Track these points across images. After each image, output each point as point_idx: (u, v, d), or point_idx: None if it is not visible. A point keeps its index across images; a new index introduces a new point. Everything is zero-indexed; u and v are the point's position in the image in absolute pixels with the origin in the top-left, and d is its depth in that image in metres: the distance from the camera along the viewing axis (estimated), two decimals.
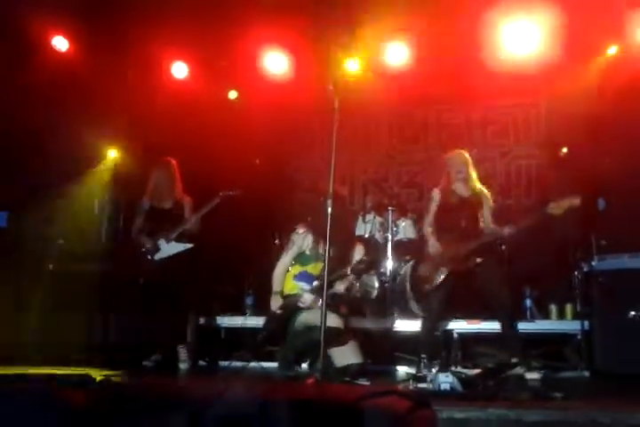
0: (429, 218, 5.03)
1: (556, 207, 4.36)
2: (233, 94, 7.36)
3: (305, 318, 4.16)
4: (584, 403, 3.14)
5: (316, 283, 4.28)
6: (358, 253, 4.49)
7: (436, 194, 5.03)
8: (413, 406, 1.62)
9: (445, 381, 3.13)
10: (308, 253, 4.44)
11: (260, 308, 6.08)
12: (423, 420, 1.59)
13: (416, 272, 5.63)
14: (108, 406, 1.68)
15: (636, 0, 5.73)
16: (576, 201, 4.34)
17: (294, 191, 7.59)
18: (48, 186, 6.11)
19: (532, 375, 4.36)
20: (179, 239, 5.31)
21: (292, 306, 4.29)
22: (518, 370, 4.33)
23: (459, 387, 3.14)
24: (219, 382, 1.76)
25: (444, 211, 4.95)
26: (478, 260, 4.67)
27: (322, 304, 3.22)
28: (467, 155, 5.01)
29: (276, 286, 4.45)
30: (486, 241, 4.73)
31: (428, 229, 5.00)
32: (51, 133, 6.24)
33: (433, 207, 5.02)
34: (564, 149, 5.83)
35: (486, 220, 4.88)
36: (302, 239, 4.47)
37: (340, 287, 4.31)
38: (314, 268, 4.40)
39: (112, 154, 7.13)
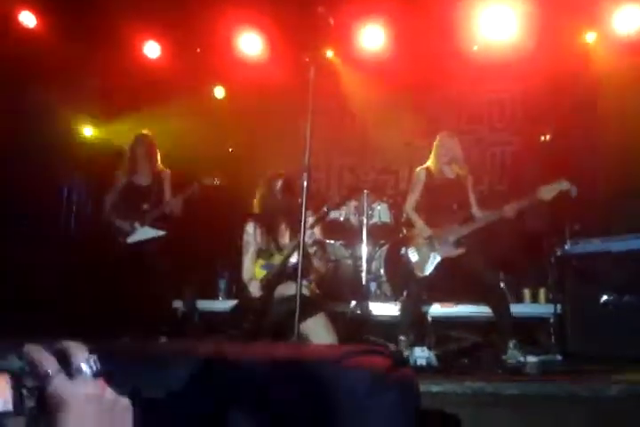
0: (413, 198, 4.82)
1: (547, 192, 4.27)
2: (219, 92, 7.18)
3: (278, 292, 4.07)
4: (561, 378, 3.13)
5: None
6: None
7: (422, 173, 4.83)
8: (394, 364, 1.56)
9: (422, 356, 3.10)
10: (264, 248, 4.34)
11: (233, 292, 6.02)
12: (404, 377, 1.53)
13: (395, 256, 5.58)
14: None
15: None
16: (565, 185, 4.25)
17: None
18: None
19: (531, 359, 4.29)
20: (153, 223, 5.16)
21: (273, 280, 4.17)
22: (516, 354, 4.28)
23: (435, 362, 3.10)
24: (190, 343, 1.70)
25: (431, 191, 4.76)
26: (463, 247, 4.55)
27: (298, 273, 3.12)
28: (456, 139, 4.89)
29: (247, 277, 4.32)
30: (483, 225, 4.57)
31: (410, 211, 4.81)
32: (18, 112, 6.08)
33: (418, 187, 4.81)
34: (547, 136, 5.79)
35: (474, 204, 4.76)
36: (254, 237, 4.34)
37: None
38: (275, 259, 4.32)
39: (87, 132, 6.98)
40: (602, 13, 6.07)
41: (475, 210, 4.74)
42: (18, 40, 6.14)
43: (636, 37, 5.95)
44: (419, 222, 4.75)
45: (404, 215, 5.93)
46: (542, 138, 5.84)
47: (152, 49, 6.83)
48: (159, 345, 1.77)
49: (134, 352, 1.74)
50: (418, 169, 4.92)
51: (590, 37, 6.28)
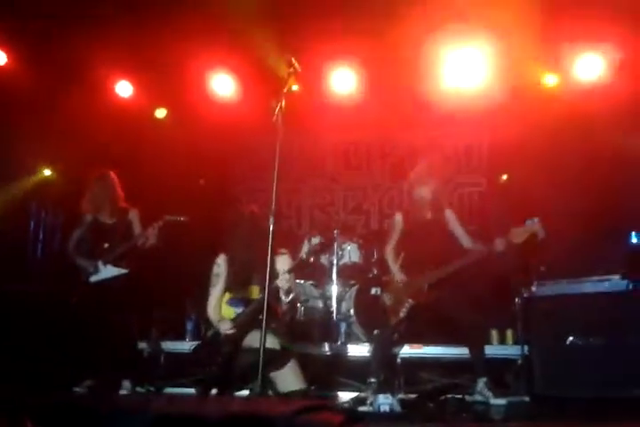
0: (391, 244, 4.88)
1: (518, 234, 4.31)
2: (161, 113, 7.19)
3: (246, 342, 4.05)
4: (523, 425, 3.12)
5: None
6: (282, 262, 4.19)
7: (399, 218, 4.90)
8: (346, 420, 1.57)
9: (385, 402, 3.08)
10: (233, 281, 4.31)
11: (201, 333, 5.93)
12: None
13: (365, 297, 5.59)
14: None
15: (572, 34, 5.94)
16: (537, 223, 4.28)
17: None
18: None
19: (498, 401, 4.33)
20: (117, 262, 5.11)
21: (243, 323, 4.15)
22: (485, 393, 4.36)
23: (398, 408, 3.09)
24: (144, 398, 1.69)
25: (408, 236, 4.81)
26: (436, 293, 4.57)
27: (262, 321, 3.11)
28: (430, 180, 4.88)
29: (215, 316, 4.28)
30: (455, 269, 4.55)
31: (389, 256, 4.85)
32: None
33: (396, 232, 4.88)
34: (504, 176, 5.92)
35: (463, 237, 4.74)
36: (225, 269, 4.31)
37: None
38: (239, 293, 4.30)
39: (47, 172, 7.02)
40: (564, 61, 6.27)
41: (465, 242, 4.72)
42: None
43: (597, 84, 6.16)
44: (394, 268, 4.79)
45: (375, 257, 5.98)
46: (502, 178, 5.94)
47: (124, 88, 6.85)
48: (114, 400, 1.75)
49: (89, 409, 1.72)
50: (396, 214, 4.99)
51: (551, 81, 6.43)
